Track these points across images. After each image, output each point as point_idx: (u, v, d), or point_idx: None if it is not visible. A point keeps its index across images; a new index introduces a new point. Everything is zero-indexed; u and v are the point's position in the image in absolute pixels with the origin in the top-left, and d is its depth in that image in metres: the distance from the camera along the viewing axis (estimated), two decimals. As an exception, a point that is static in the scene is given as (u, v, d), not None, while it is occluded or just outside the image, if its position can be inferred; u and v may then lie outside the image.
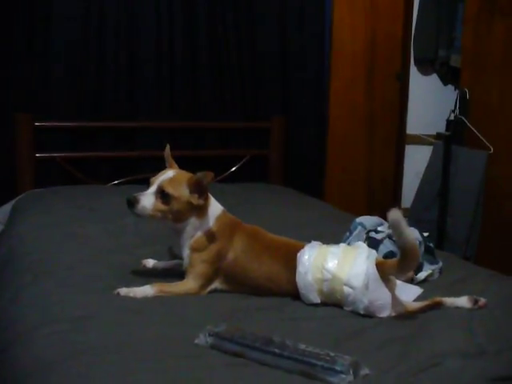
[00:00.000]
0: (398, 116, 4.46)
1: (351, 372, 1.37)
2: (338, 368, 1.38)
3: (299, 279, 1.84)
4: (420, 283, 2.09)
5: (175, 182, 1.93)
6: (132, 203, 1.90)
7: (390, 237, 2.11)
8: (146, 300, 1.84)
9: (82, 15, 3.50)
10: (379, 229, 2.18)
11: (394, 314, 1.77)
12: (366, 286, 1.75)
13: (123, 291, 1.88)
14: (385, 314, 1.76)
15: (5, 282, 2.19)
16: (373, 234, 2.15)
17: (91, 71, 3.55)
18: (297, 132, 4.08)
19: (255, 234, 2.04)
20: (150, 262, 2.17)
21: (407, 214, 4.27)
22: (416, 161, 4.35)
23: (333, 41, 4.25)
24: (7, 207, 3.17)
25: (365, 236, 2.18)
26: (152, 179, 1.96)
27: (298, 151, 4.09)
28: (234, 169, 3.86)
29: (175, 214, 1.92)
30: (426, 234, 2.24)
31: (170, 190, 1.91)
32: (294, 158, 4.08)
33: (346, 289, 1.77)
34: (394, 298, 1.80)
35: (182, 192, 1.92)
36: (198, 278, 1.94)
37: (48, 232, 2.54)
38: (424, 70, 4.46)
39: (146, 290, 1.89)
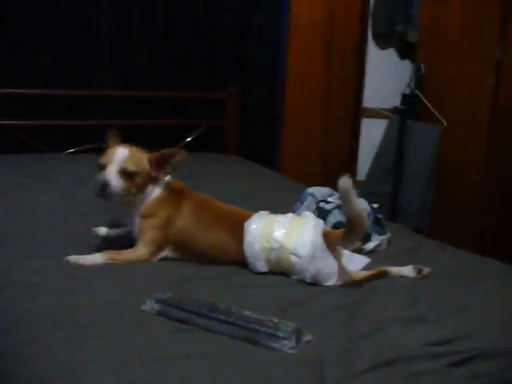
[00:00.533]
0: (355, 89, 4.49)
1: (293, 338, 1.40)
2: (280, 334, 1.41)
3: (246, 248, 1.87)
4: (368, 253, 2.13)
5: (135, 158, 1.93)
6: (104, 187, 1.87)
7: (339, 207, 2.14)
8: (95, 267, 1.85)
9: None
10: (329, 199, 2.21)
11: (340, 283, 1.81)
12: (313, 256, 1.78)
13: (73, 258, 1.88)
14: (331, 282, 1.79)
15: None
16: (322, 204, 2.18)
17: (46, 39, 3.48)
18: (253, 104, 4.08)
19: (204, 202, 2.07)
20: (103, 230, 2.17)
21: (362, 186, 4.34)
22: (372, 134, 4.39)
23: (291, 13, 4.22)
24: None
25: (315, 206, 2.20)
26: (104, 160, 1.92)
27: (253, 123, 4.10)
28: (189, 139, 3.85)
29: (137, 188, 1.93)
30: (375, 206, 2.28)
31: (133, 167, 1.91)
32: (249, 129, 4.09)
33: (293, 258, 1.80)
34: (341, 267, 1.84)
35: (144, 167, 1.94)
36: (148, 244, 1.95)
37: (1, 199, 2.51)
38: (382, 44, 4.48)
39: (96, 258, 1.90)
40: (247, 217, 1.95)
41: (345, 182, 1.70)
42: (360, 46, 4.44)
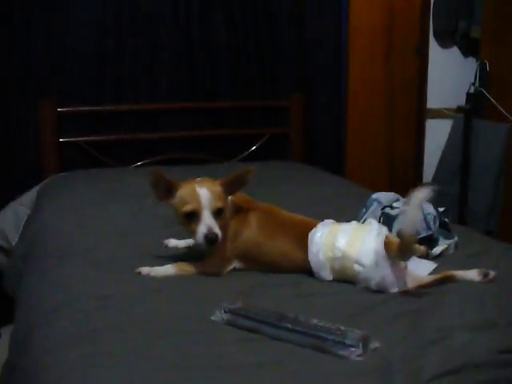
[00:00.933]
0: (418, 90, 4.44)
1: (360, 345, 1.41)
2: (347, 342, 1.42)
3: (311, 258, 1.89)
4: (435, 258, 2.12)
5: (217, 193, 1.91)
6: (215, 238, 1.86)
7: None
8: (166, 279, 1.90)
9: (99, 6, 3.56)
10: (394, 205, 2.20)
11: (405, 289, 1.81)
12: (376, 264, 1.78)
13: (144, 270, 1.94)
14: (395, 289, 1.79)
15: (31, 266, 2.28)
16: (388, 210, 2.18)
17: (109, 56, 3.60)
18: (316, 110, 4.09)
19: (269, 211, 2.08)
20: (172, 242, 2.21)
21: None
22: (437, 135, 4.34)
23: (350, 16, 4.21)
24: (33, 192, 3.25)
25: (380, 212, 2.20)
26: (189, 206, 1.88)
27: (317, 129, 4.11)
28: (254, 147, 3.89)
29: (225, 221, 1.95)
30: (441, 209, 2.25)
31: (221, 204, 1.91)
32: (314, 135, 4.10)
33: (357, 266, 1.81)
34: (406, 273, 1.84)
35: (225, 199, 1.94)
36: (218, 258, 1.98)
37: (71, 215, 2.61)
38: (444, 42, 4.42)
39: (167, 270, 1.95)
40: (312, 225, 1.97)
41: (421, 193, 1.68)
42: (421, 45, 4.39)
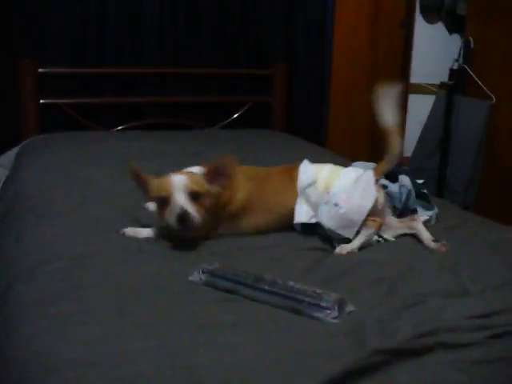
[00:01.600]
0: (402, 65, 4.44)
1: (336, 308, 1.44)
2: (323, 304, 1.44)
3: (299, 186, 1.99)
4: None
5: (194, 179, 1.86)
6: (185, 217, 1.77)
7: (384, 187, 2.15)
8: (146, 240, 1.91)
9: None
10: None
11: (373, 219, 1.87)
12: (359, 179, 1.87)
13: (129, 231, 1.94)
14: (366, 202, 1.83)
15: (10, 224, 2.26)
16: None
17: (93, 18, 3.56)
18: (299, 79, 4.09)
19: (253, 167, 2.17)
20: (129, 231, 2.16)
21: (409, 162, 4.33)
22: (419, 110, 4.35)
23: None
24: (12, 153, 3.22)
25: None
26: (163, 191, 1.82)
27: (300, 99, 4.11)
28: (236, 115, 3.88)
29: (208, 211, 1.87)
30: (420, 181, 2.28)
31: (198, 188, 1.84)
32: (296, 106, 4.10)
33: (337, 182, 1.91)
34: (380, 210, 1.92)
35: (205, 186, 1.87)
36: None
37: (51, 176, 2.60)
38: (429, 18, 4.42)
39: (151, 232, 1.95)
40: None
41: (393, 87, 1.86)
42: (407, 20, 4.38)
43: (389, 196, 2.09)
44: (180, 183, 1.81)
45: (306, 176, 1.99)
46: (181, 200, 1.78)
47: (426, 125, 4.21)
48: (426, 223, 2.14)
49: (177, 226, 1.78)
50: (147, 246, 1.85)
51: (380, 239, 1.98)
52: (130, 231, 1.95)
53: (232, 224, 1.99)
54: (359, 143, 4.47)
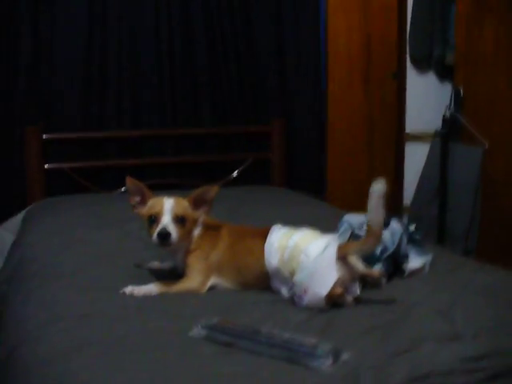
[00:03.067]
0: (397, 115, 4.55)
1: (330, 357, 1.48)
2: (318, 353, 1.49)
3: (267, 246, 2.02)
4: (409, 275, 2.19)
5: (181, 204, 2.07)
6: (165, 236, 1.99)
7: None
8: (146, 298, 1.97)
9: (85, 32, 3.66)
10: (365, 227, 2.27)
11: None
12: (321, 257, 1.88)
13: (128, 290, 2.01)
14: (321, 291, 1.84)
15: (16, 287, 2.33)
16: (357, 232, 2.25)
17: (95, 84, 3.69)
18: (297, 135, 4.18)
19: (239, 226, 2.27)
20: (155, 264, 2.30)
21: (408, 211, 4.38)
22: (416, 158, 4.43)
23: (328, 44, 4.34)
24: (18, 217, 3.30)
25: (349, 233, 2.27)
26: (153, 210, 2.04)
27: (298, 153, 4.20)
28: (236, 173, 3.97)
29: (187, 232, 2.08)
30: (412, 226, 2.33)
31: (183, 213, 2.05)
32: (295, 160, 4.18)
33: (303, 256, 1.91)
34: (348, 274, 1.92)
35: (188, 210, 2.08)
36: (196, 275, 2.07)
37: (56, 239, 2.67)
38: (420, 68, 4.54)
39: (150, 288, 2.02)
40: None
41: (378, 185, 1.82)
42: (399, 71, 4.50)
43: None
44: (168, 206, 2.03)
45: (270, 248, 2.02)
46: (166, 220, 2.00)
47: (422, 173, 4.28)
48: (419, 271, 2.19)
49: (157, 241, 2.01)
50: (147, 304, 1.91)
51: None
52: (130, 289, 2.01)
53: None
54: (358, 194, 4.50)
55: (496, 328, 1.70)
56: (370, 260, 2.11)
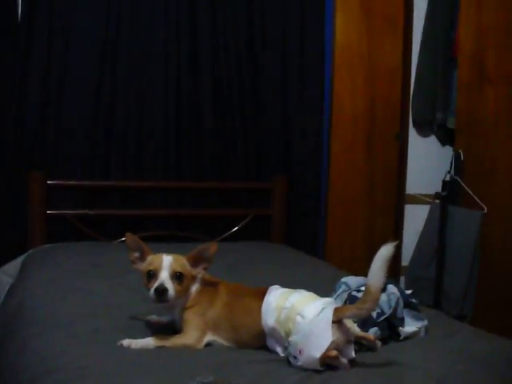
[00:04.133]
0: (398, 177, 4.60)
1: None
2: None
3: (264, 306, 2.02)
4: (405, 339, 2.20)
5: (179, 261, 2.11)
6: (163, 292, 2.02)
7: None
8: (143, 352, 1.97)
9: (93, 79, 3.74)
10: (362, 288, 2.29)
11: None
12: (316, 320, 1.87)
13: (126, 342, 2.02)
14: (316, 353, 1.84)
15: (14, 333, 2.33)
16: (354, 293, 2.26)
17: (100, 134, 3.76)
18: (298, 193, 4.23)
19: (236, 284, 2.27)
20: (153, 317, 2.31)
21: (406, 272, 4.40)
22: (415, 220, 4.47)
23: (333, 105, 4.42)
24: (17, 261, 3.32)
25: (346, 295, 2.29)
26: (151, 266, 2.07)
27: (299, 211, 4.24)
28: (236, 228, 4.00)
29: (185, 289, 2.10)
30: (409, 292, 2.35)
31: (181, 270, 2.08)
32: (295, 217, 4.22)
33: (299, 318, 1.91)
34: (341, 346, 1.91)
35: (187, 268, 2.12)
36: (193, 330, 2.08)
37: (55, 286, 2.68)
38: (422, 131, 4.63)
39: (147, 342, 2.03)
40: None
41: (387, 249, 1.86)
42: (402, 133, 4.58)
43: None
44: (167, 262, 2.07)
45: (267, 308, 2.03)
46: (163, 277, 2.04)
47: (421, 234, 4.32)
48: (414, 335, 2.20)
49: (154, 297, 2.03)
50: (143, 359, 1.91)
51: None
52: (127, 342, 2.02)
53: None
54: (357, 254, 4.54)
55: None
56: (366, 323, 2.13)
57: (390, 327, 2.19)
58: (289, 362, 1.91)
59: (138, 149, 3.85)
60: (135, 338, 2.04)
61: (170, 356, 1.95)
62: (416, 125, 4.61)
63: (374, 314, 2.15)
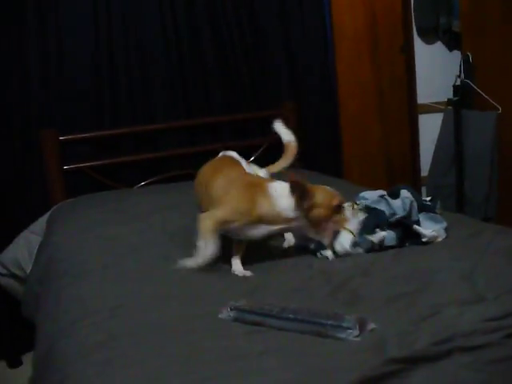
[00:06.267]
0: (407, 87, 4.55)
1: (357, 327, 1.52)
2: (345, 325, 1.53)
3: None
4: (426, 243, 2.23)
5: None
6: None
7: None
8: (174, 284, 2.03)
9: (93, 31, 3.70)
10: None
11: None
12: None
13: (182, 264, 2.10)
14: None
15: (48, 286, 2.40)
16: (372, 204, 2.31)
17: (106, 84, 3.73)
18: (310, 116, 4.20)
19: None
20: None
21: (425, 181, 4.40)
22: (430, 129, 4.44)
23: (333, 22, 4.34)
24: (43, 220, 3.36)
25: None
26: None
27: (313, 134, 4.22)
28: (252, 158, 4.00)
29: None
30: (428, 198, 2.38)
31: None
32: (309, 140, 4.20)
33: None
34: None
35: None
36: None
37: (81, 237, 2.73)
38: (428, 38, 4.54)
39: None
40: None
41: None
42: (406, 43, 4.50)
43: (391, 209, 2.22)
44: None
45: None
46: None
47: (437, 143, 4.29)
48: (434, 239, 2.22)
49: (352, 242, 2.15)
50: (175, 291, 1.96)
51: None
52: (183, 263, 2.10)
53: None
54: (375, 169, 4.56)
55: (518, 288, 1.73)
56: (380, 224, 2.17)
57: (406, 229, 2.22)
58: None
59: (144, 95, 3.83)
60: (164, 275, 2.10)
61: (201, 285, 2.00)
62: (421, 33, 4.52)
63: (388, 216, 2.19)
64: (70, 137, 3.67)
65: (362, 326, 1.54)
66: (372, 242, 2.16)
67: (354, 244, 2.14)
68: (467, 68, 4.01)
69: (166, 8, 3.82)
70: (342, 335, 1.52)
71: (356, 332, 1.51)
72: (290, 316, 1.62)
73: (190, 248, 2.24)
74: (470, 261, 1.98)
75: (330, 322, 1.55)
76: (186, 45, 3.89)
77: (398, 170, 4.63)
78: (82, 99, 3.71)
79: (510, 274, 1.86)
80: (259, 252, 2.27)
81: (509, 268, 1.91)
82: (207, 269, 2.10)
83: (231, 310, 1.72)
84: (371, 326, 1.56)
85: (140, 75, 3.81)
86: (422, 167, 4.60)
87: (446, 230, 2.28)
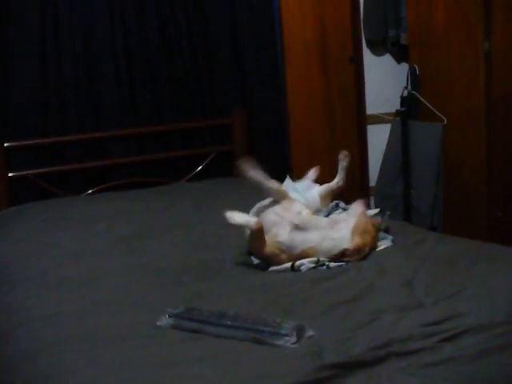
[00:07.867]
0: (356, 98, 4.59)
1: (295, 334, 1.52)
2: (282, 332, 1.53)
3: None
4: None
5: None
6: None
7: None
8: (115, 291, 2.00)
9: (39, 35, 3.63)
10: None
11: None
12: None
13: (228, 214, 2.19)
14: None
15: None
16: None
17: (52, 89, 3.66)
18: (258, 125, 4.19)
19: None
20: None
21: (374, 192, 4.44)
22: (378, 140, 4.47)
23: (283, 32, 4.34)
24: (-15, 227, 3.28)
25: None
26: None
27: (261, 143, 4.21)
28: (200, 167, 3.99)
29: None
30: (376, 210, 2.42)
31: None
32: (258, 150, 4.19)
33: None
34: None
35: None
36: None
37: (23, 244, 2.68)
38: (377, 50, 4.58)
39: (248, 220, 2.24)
40: None
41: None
42: (355, 55, 4.54)
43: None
44: None
45: None
46: None
47: (385, 153, 4.33)
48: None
49: None
50: (116, 297, 1.93)
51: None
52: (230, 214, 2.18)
53: None
54: (324, 180, 4.55)
55: (455, 294, 1.76)
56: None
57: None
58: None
59: (92, 101, 3.78)
60: (104, 282, 2.06)
61: (141, 293, 1.97)
62: (369, 45, 4.56)
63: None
64: (15, 143, 3.59)
65: (299, 333, 1.54)
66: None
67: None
68: (414, 80, 4.07)
69: (116, 19, 3.78)
70: (279, 342, 1.51)
71: (293, 339, 1.51)
72: (228, 323, 1.61)
73: (132, 255, 2.23)
74: (411, 267, 2.00)
75: (267, 329, 1.55)
76: (135, 54, 3.85)
77: (347, 180, 4.64)
78: (29, 106, 3.64)
79: (448, 281, 1.88)
80: (202, 262, 2.25)
81: (448, 274, 1.94)
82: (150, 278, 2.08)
83: (169, 317, 1.71)
84: (309, 333, 1.56)
85: (88, 83, 3.76)
86: (370, 177, 4.62)
87: (393, 241, 2.30)
